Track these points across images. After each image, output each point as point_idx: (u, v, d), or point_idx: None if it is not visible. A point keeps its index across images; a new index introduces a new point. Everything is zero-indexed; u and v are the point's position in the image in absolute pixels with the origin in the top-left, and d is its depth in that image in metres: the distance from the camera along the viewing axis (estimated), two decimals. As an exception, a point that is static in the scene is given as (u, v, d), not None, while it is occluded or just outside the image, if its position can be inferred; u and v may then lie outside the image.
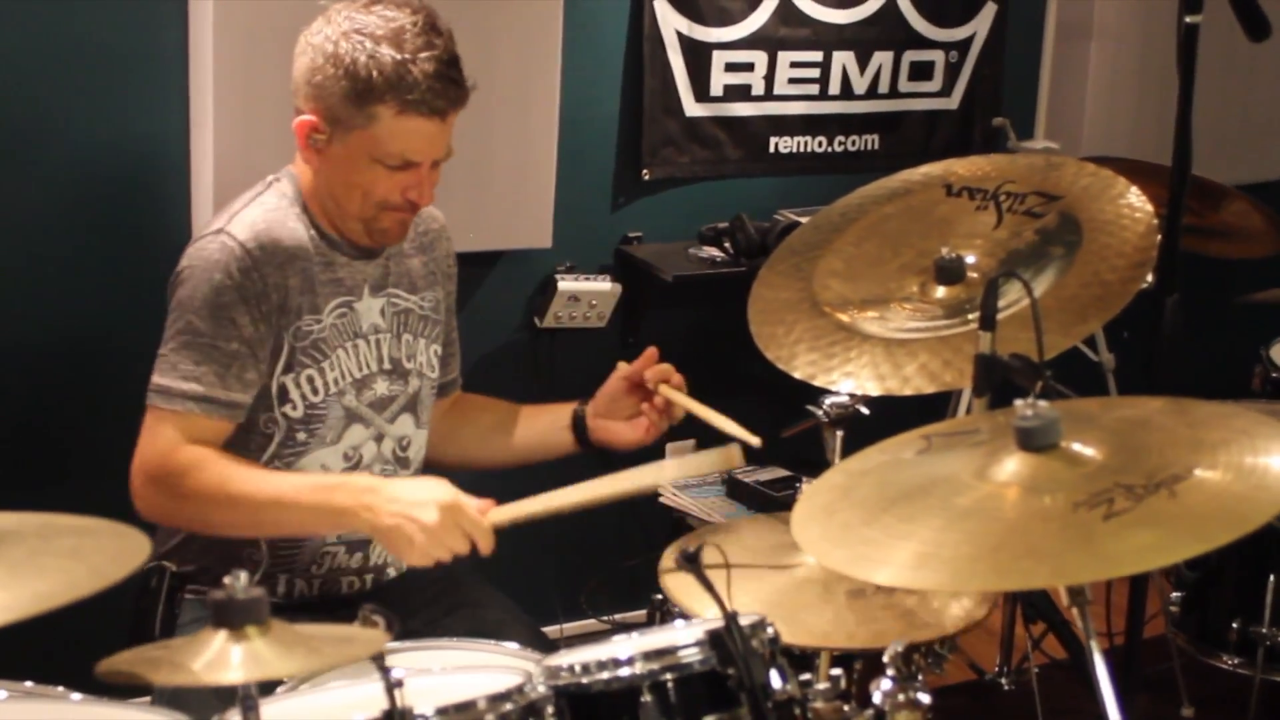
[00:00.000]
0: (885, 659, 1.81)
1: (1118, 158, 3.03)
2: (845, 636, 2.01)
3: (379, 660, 1.50)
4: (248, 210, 2.31)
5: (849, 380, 2.34)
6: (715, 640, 1.68)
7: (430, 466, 2.58)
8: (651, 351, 2.48)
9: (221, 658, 1.39)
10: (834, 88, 3.69)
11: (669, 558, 2.13)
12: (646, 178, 3.57)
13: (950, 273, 2.44)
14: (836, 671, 1.87)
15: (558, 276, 3.47)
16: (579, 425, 2.53)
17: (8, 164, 2.93)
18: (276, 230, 2.29)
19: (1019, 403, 1.70)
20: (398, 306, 2.44)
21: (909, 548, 1.60)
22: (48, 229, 2.99)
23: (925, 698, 1.82)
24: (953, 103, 3.85)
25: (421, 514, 2.10)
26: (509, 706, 1.62)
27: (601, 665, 1.68)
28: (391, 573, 2.48)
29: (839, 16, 3.65)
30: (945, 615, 2.07)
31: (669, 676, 1.67)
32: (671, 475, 2.39)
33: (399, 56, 2.23)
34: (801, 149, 3.70)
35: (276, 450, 2.33)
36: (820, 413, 2.52)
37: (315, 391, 2.33)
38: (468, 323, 3.44)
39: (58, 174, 2.97)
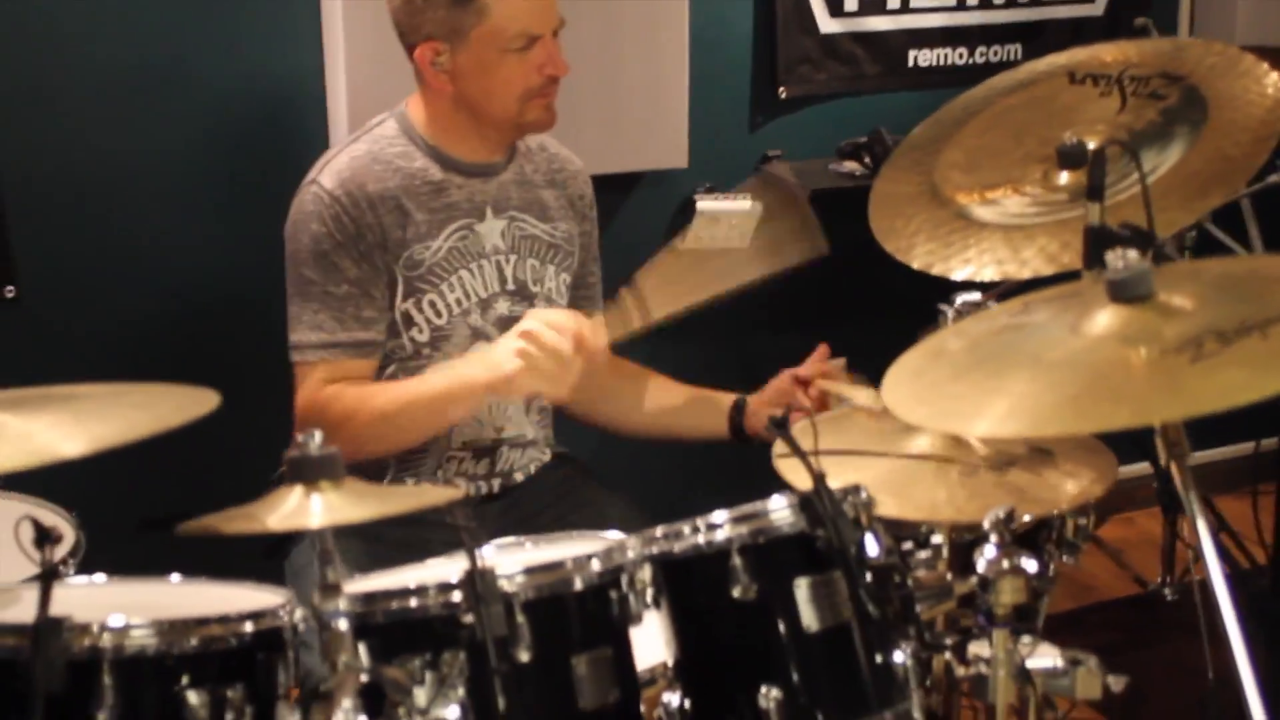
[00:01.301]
0: (986, 525, 1.79)
1: (1274, 47, 2.92)
2: (954, 510, 1.98)
3: (457, 513, 1.52)
4: (337, 159, 2.40)
5: (968, 267, 2.31)
6: (805, 504, 1.68)
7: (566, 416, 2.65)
8: (823, 349, 2.48)
9: (296, 509, 1.43)
10: (972, -2, 3.63)
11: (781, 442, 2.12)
12: (784, 96, 3.55)
13: (1072, 158, 2.38)
14: (938, 539, 1.85)
15: (696, 197, 3.47)
16: (738, 417, 2.56)
17: (148, 106, 3.04)
18: (363, 174, 2.36)
19: (1110, 255, 1.66)
20: (523, 231, 2.48)
21: (993, 401, 1.58)
22: (189, 167, 3.10)
23: (1031, 565, 1.80)
24: (1097, 8, 3.76)
25: (508, 345, 2.19)
26: (597, 567, 1.63)
27: (693, 530, 1.69)
28: (518, 477, 2.53)
29: (976, -75, 3.58)
30: (1060, 491, 2.03)
31: (758, 540, 1.67)
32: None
33: None
34: (941, 61, 3.64)
35: (400, 366, 2.42)
36: (951, 311, 2.50)
37: (439, 314, 2.40)
38: (609, 247, 3.49)
39: (196, 114, 3.07)
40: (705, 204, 3.48)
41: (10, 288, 3.06)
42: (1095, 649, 3.37)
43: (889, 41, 3.59)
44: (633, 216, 3.51)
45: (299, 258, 2.36)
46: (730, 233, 3.52)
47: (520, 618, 1.55)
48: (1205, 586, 3.10)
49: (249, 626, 1.53)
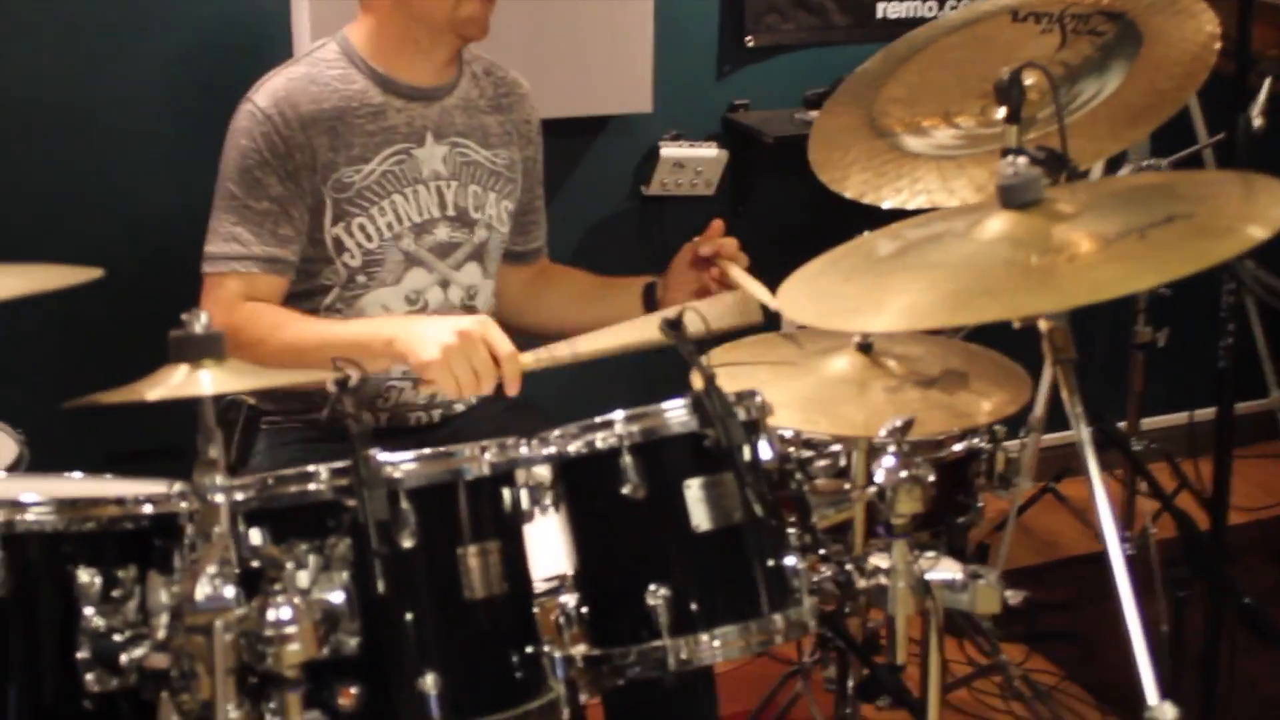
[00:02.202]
0: (882, 434, 1.80)
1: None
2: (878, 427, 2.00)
3: (343, 399, 1.55)
4: (274, 79, 2.41)
5: (899, 195, 2.33)
6: (697, 404, 1.69)
7: (508, 331, 2.64)
8: (716, 224, 2.46)
9: (178, 384, 1.46)
10: (946, -57, 3.63)
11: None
12: (751, 45, 3.56)
13: (1006, 94, 2.40)
14: (837, 448, 1.86)
15: (660, 143, 3.50)
16: (649, 299, 2.55)
17: (117, 43, 3.07)
18: (297, 95, 2.37)
19: (1001, 162, 1.68)
20: (466, 157, 2.49)
21: (879, 300, 1.60)
22: (157, 101, 3.13)
23: (929, 475, 1.81)
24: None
25: (443, 335, 2.13)
26: (489, 459, 1.65)
27: (586, 429, 1.71)
28: (459, 408, 2.55)
29: (947, -128, 3.58)
30: (977, 408, 2.05)
31: (649, 439, 1.68)
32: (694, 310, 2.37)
33: None
34: (910, 14, 3.65)
35: (338, 295, 2.43)
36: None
37: (369, 237, 2.40)
38: (575, 191, 3.53)
39: (164, 59, 3.10)
40: (669, 150, 3.52)
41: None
42: (1055, 604, 3.46)
43: (859, -10, 3.60)
44: (599, 162, 3.54)
45: (225, 172, 2.38)
46: (696, 179, 3.55)
47: (405, 504, 1.57)
48: (1162, 543, 3.17)
49: (147, 509, 1.57)
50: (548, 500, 1.72)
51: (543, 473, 1.71)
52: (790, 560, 1.71)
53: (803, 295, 1.68)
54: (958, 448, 2.31)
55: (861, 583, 1.86)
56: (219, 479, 1.45)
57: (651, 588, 1.67)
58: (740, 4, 3.53)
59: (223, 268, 2.36)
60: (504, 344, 2.16)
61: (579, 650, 1.69)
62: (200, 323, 1.50)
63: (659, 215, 3.58)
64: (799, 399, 2.03)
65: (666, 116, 3.51)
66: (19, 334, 3.07)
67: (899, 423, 1.80)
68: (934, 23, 2.65)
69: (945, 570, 1.88)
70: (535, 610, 1.69)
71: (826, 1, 3.59)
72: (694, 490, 1.68)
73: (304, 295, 2.42)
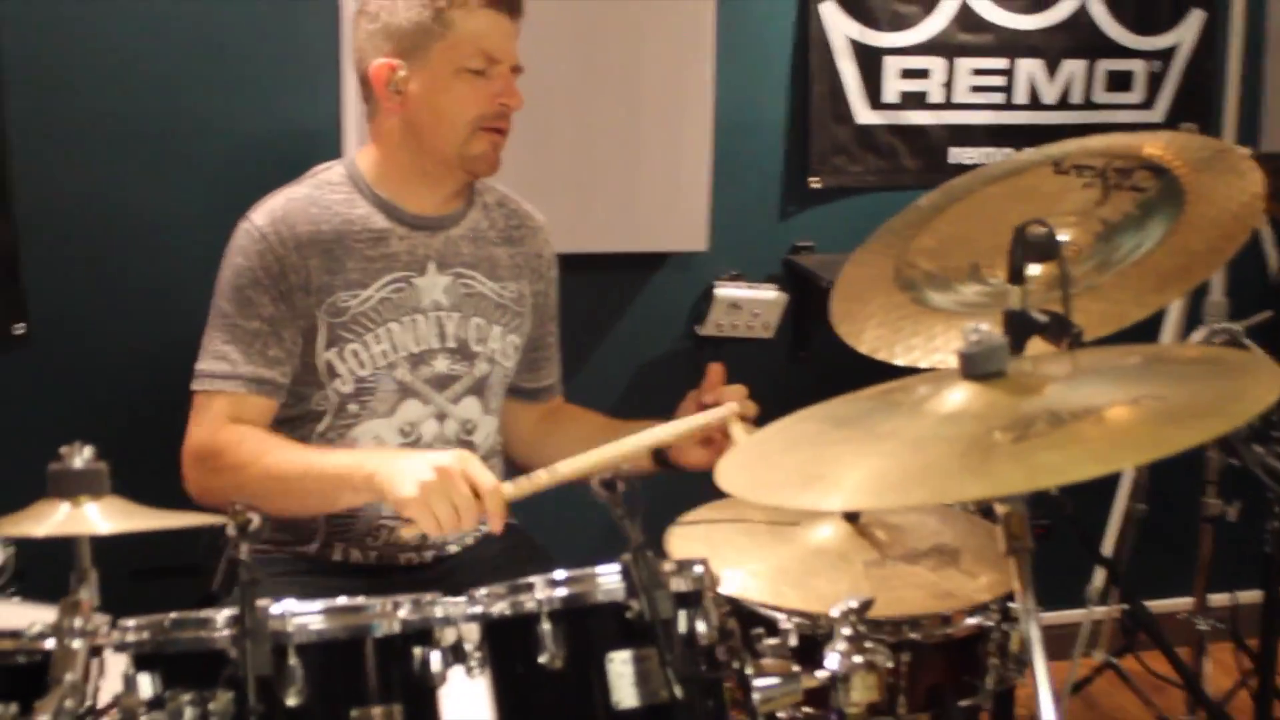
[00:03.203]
0: (834, 615, 1.67)
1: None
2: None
3: (239, 545, 1.47)
4: (274, 198, 2.38)
5: (912, 353, 2.21)
6: (625, 572, 1.58)
7: (516, 470, 2.56)
8: (716, 369, 2.37)
9: (55, 521, 1.39)
10: (1020, 96, 3.52)
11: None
12: (816, 186, 3.47)
13: (1039, 249, 2.28)
14: (788, 626, 1.73)
15: (716, 283, 3.41)
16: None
17: (166, 154, 3.08)
18: (295, 216, 2.33)
19: (965, 328, 1.56)
20: (470, 288, 2.43)
21: (810, 473, 1.48)
22: (207, 223, 3.11)
23: (885, 660, 1.67)
24: (1157, 115, 3.61)
25: (421, 472, 2.04)
26: (401, 618, 1.56)
27: (511, 590, 1.61)
28: (453, 549, 2.46)
29: (1024, 22, 3.49)
30: (971, 586, 1.90)
31: (569, 606, 1.58)
32: (668, 435, 2.27)
33: None
34: (983, 160, 3.53)
35: (330, 424, 2.36)
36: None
37: (362, 365, 2.34)
38: (629, 329, 3.45)
39: (215, 169, 3.10)
40: (725, 290, 3.43)
41: (20, 325, 3.10)
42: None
43: (929, 136, 3.50)
44: (654, 300, 3.46)
45: (220, 289, 2.34)
46: (753, 321, 3.45)
47: (293, 659, 1.48)
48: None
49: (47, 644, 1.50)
50: (474, 663, 1.61)
51: (471, 633, 1.61)
52: (724, 746, 1.58)
53: (739, 464, 1.57)
54: (970, 620, 2.17)
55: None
56: (79, 622, 1.37)
57: (566, 765, 1.55)
58: (805, 144, 3.44)
59: (210, 386, 2.32)
60: (485, 478, 2.06)
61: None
62: (81, 457, 1.43)
63: (714, 356, 3.43)
64: (773, 568, 1.91)
65: (726, 256, 3.43)
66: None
67: (854, 603, 1.66)
68: (976, 171, 2.54)
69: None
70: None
71: (897, 144, 3.48)
72: (617, 664, 1.57)
73: (296, 421, 2.36)
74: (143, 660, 1.51)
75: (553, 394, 2.63)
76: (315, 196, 2.36)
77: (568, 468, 2.11)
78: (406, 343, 2.36)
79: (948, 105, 3.49)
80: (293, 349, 2.32)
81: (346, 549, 2.39)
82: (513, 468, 2.58)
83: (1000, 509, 1.50)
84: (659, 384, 3.44)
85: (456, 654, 1.60)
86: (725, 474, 1.57)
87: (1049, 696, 1.41)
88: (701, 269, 3.44)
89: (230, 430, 2.28)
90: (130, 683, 1.49)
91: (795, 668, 1.69)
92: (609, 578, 1.59)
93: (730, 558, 1.92)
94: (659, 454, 2.41)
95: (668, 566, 1.61)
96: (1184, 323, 3.32)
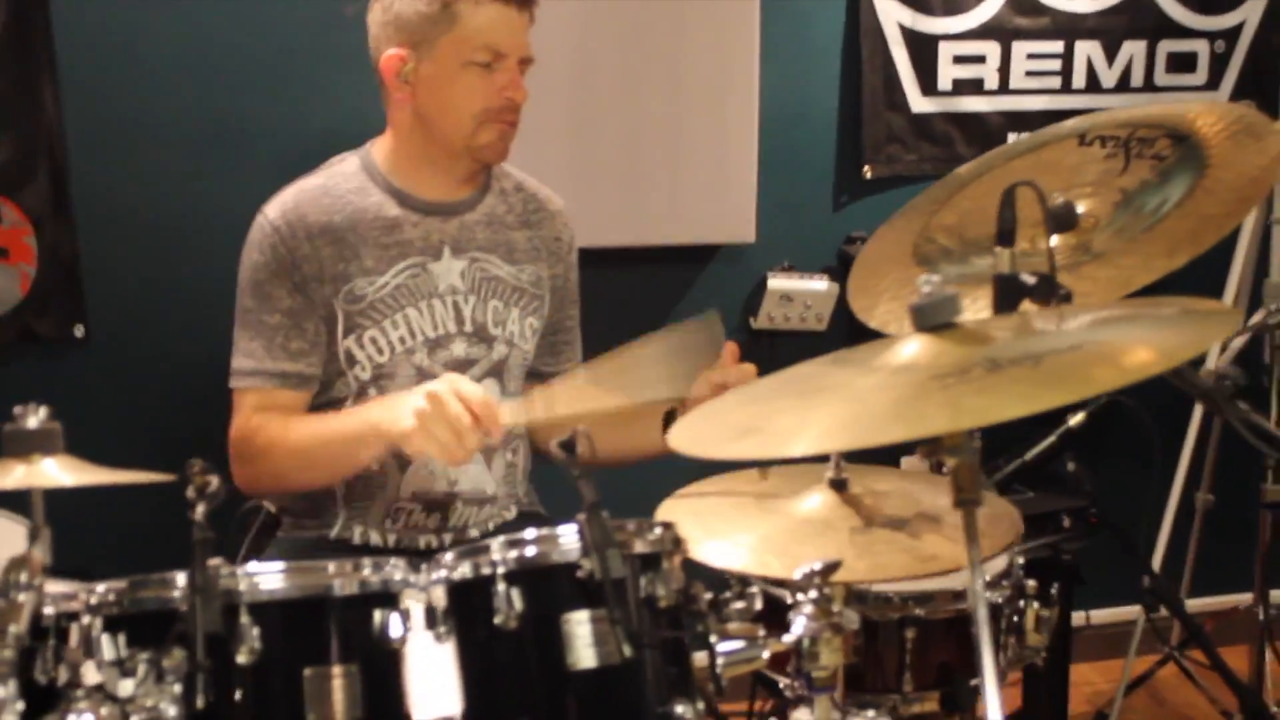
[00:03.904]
0: (797, 577, 1.65)
1: None
2: (842, 570, 1.84)
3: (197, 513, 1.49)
4: (287, 190, 2.42)
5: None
6: (581, 533, 1.58)
7: (539, 453, 2.59)
8: (730, 348, 2.36)
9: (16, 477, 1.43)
10: (1078, 80, 3.47)
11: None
12: (869, 176, 3.44)
13: (1060, 220, 2.24)
14: (754, 590, 1.71)
15: (768, 274, 3.39)
16: (669, 423, 2.43)
17: (222, 159, 3.15)
18: (306, 206, 2.37)
19: (919, 279, 1.54)
20: (486, 272, 2.45)
21: (744, 426, 1.47)
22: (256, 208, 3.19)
23: (852, 622, 1.65)
24: (1221, 96, 3.53)
25: (414, 401, 2.08)
26: (362, 576, 1.57)
27: (469, 552, 1.61)
28: (473, 533, 2.48)
29: (1081, 4, 3.43)
30: (952, 549, 1.86)
31: (524, 566, 1.57)
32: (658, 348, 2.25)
33: None
34: (1043, 144, 3.46)
35: (351, 408, 2.39)
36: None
37: (380, 351, 2.37)
38: (682, 320, 3.43)
39: (267, 172, 3.12)
40: (777, 281, 3.41)
41: (80, 327, 3.19)
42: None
43: (986, 123, 3.45)
44: (707, 292, 3.45)
45: (241, 285, 2.39)
46: (805, 313, 3.43)
47: (245, 618, 1.50)
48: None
49: None
50: (442, 628, 1.62)
51: (437, 596, 1.62)
52: (680, 709, 1.56)
53: (688, 422, 1.56)
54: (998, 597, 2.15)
55: (789, 737, 1.69)
56: (25, 576, 1.41)
57: (516, 724, 1.55)
58: (859, 134, 3.42)
59: (240, 383, 2.39)
60: (474, 391, 2.09)
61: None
62: (36, 417, 1.47)
63: (769, 349, 3.46)
64: (759, 538, 1.89)
65: (780, 247, 3.42)
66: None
67: (819, 565, 1.64)
68: (1002, 147, 2.51)
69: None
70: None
71: (952, 131, 3.45)
72: (572, 624, 1.56)
73: (323, 408, 2.40)
74: (111, 622, 1.53)
75: None
76: (328, 186, 2.40)
77: (565, 408, 2.12)
78: (424, 327, 2.38)
79: (1003, 91, 3.45)
80: (317, 339, 2.36)
81: (365, 531, 2.42)
82: (537, 452, 2.59)
83: (949, 461, 1.46)
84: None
85: (418, 617, 1.61)
86: (674, 432, 1.56)
87: (991, 663, 1.37)
88: (754, 261, 3.43)
89: (255, 419, 2.34)
90: (94, 644, 1.52)
91: (760, 632, 1.67)
92: (566, 539, 1.58)
93: (717, 529, 1.90)
94: (669, 418, 2.41)
95: (629, 527, 1.60)
96: (1246, 305, 3.24)
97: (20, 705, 1.36)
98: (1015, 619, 2.20)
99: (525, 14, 2.36)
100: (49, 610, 1.55)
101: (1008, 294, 1.89)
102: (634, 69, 3.19)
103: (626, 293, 3.33)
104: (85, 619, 1.53)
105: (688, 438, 1.51)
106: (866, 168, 3.43)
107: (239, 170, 3.15)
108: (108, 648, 1.52)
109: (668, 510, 1.99)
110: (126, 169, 3.13)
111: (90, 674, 1.52)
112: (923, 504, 1.93)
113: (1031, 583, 2.20)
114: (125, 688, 1.47)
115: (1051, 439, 2.23)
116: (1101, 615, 3.59)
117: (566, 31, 3.11)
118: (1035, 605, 2.21)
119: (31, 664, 1.48)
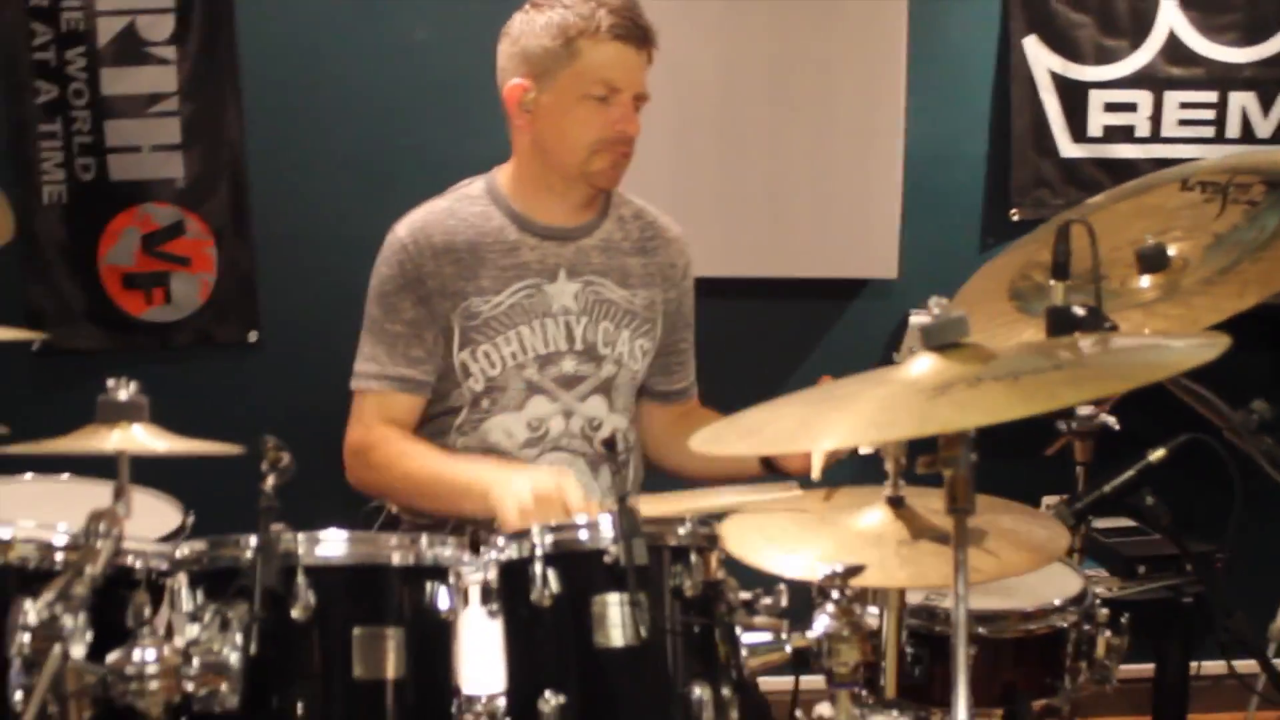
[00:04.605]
0: (819, 580, 1.74)
1: None
2: (884, 576, 1.93)
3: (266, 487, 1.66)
4: (418, 211, 2.61)
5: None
6: (614, 522, 1.71)
7: (650, 468, 2.73)
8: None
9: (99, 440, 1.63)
10: (1232, 129, 3.46)
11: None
12: (1016, 218, 3.50)
13: (1151, 261, 2.30)
14: (782, 588, 1.81)
15: (911, 311, 3.47)
16: (768, 458, 2.53)
17: (388, 183, 3.38)
18: (433, 226, 2.55)
19: (931, 300, 1.64)
20: (599, 295, 2.60)
21: (749, 428, 1.58)
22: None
23: (871, 624, 1.74)
24: (1383, 148, 3.48)
25: (523, 496, 2.19)
26: (419, 549, 1.72)
27: (517, 536, 1.75)
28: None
29: (1237, 55, 3.43)
30: (987, 562, 1.93)
31: (559, 550, 1.72)
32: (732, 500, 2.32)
33: (591, 3, 2.48)
34: (1194, 195, 3.47)
35: (466, 418, 2.57)
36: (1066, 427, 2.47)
37: (493, 365, 2.54)
38: (825, 353, 3.54)
39: (431, 192, 3.37)
40: (919, 318, 3.47)
41: (254, 333, 3.45)
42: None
43: (1138, 170, 3.47)
44: (852, 326, 3.55)
45: (370, 295, 2.58)
46: (947, 350, 3.49)
47: (301, 578, 1.65)
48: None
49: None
50: (494, 605, 1.77)
51: (491, 576, 1.77)
52: (698, 692, 1.68)
53: (714, 428, 1.68)
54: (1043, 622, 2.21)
55: (808, 733, 1.79)
56: (104, 526, 1.59)
57: (546, 695, 1.68)
58: (1006, 177, 3.47)
59: (362, 385, 2.57)
60: (576, 501, 2.19)
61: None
62: (126, 390, 1.67)
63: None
64: (813, 547, 1.98)
65: (927, 285, 3.47)
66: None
67: (840, 567, 1.73)
68: (1113, 190, 2.56)
69: (891, 722, 1.78)
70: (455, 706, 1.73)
71: (1102, 177, 3.48)
72: (600, 606, 1.69)
73: (438, 416, 2.58)
74: (192, 577, 1.71)
75: (687, 396, 2.76)
76: (454, 209, 2.58)
77: (669, 505, 2.19)
78: (535, 344, 2.54)
79: (1155, 139, 3.47)
80: (434, 349, 2.53)
81: (476, 530, 2.57)
82: (649, 465, 2.73)
83: (946, 473, 1.56)
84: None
85: (473, 594, 1.76)
86: (698, 436, 1.68)
87: (964, 672, 1.46)
88: (900, 298, 3.51)
89: (377, 431, 2.52)
90: (176, 596, 1.71)
91: (784, 628, 1.77)
92: (602, 527, 1.72)
93: (778, 539, 2.00)
94: (766, 461, 2.52)
95: (668, 524, 1.72)
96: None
97: (90, 636, 1.52)
98: (1084, 646, 2.24)
99: (643, 54, 2.51)
100: (139, 564, 1.76)
101: (1059, 324, 1.96)
102: (781, 104, 3.32)
103: (772, 323, 3.45)
104: (170, 574, 1.73)
105: (704, 438, 1.62)
106: (1014, 211, 3.48)
107: (402, 195, 3.34)
108: (187, 599, 1.70)
109: (731, 525, 2.09)
110: (299, 193, 3.38)
111: (164, 620, 1.72)
112: (975, 523, 1.99)
113: (1104, 610, 2.25)
114: (191, 632, 1.65)
115: (1130, 473, 2.27)
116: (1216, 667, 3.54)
117: (715, 67, 3.25)
118: (1107, 633, 2.25)
119: (115, 608, 1.67)
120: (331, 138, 3.39)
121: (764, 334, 3.52)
